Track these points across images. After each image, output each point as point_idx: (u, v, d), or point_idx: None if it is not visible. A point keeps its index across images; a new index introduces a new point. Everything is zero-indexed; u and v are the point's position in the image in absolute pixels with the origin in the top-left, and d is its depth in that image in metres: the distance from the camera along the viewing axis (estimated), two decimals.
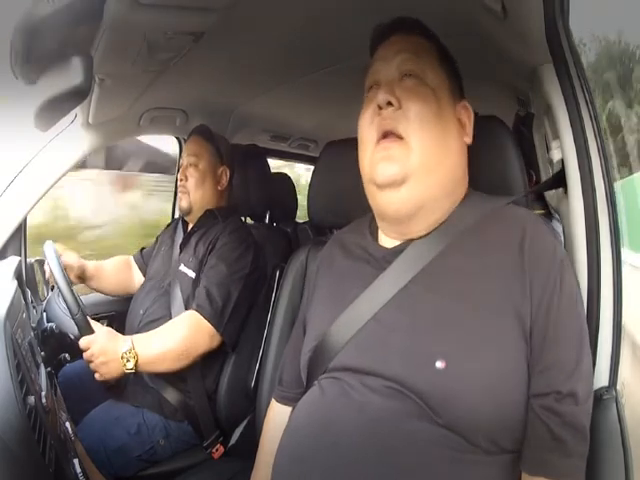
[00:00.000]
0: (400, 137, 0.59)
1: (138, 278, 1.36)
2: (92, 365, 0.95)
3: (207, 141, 1.26)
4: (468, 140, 0.65)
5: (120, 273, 1.37)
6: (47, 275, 1.13)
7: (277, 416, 0.75)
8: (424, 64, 0.63)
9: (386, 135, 0.60)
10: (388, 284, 0.61)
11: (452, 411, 0.52)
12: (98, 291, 1.34)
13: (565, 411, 0.52)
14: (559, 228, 0.75)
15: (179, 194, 1.26)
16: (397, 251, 0.63)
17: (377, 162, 0.60)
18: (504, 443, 0.53)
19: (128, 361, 0.95)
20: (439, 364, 0.53)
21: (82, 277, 1.24)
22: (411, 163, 0.59)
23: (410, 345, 0.56)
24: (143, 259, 1.38)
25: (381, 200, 0.63)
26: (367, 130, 0.63)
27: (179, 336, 1.02)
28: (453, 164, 0.62)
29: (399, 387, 0.54)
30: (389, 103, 0.60)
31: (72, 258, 1.19)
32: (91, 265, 1.27)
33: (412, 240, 0.63)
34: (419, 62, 0.63)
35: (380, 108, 0.61)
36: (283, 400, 0.75)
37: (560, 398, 0.52)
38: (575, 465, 0.52)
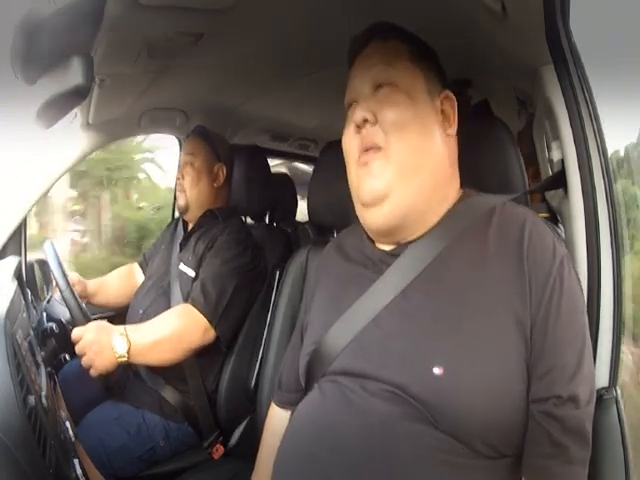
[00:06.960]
0: (379, 148, 0.60)
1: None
2: (85, 358, 0.90)
3: (203, 140, 1.27)
4: (451, 132, 0.64)
5: (123, 284, 1.36)
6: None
7: (276, 420, 0.74)
8: (396, 70, 0.63)
9: (367, 149, 0.61)
10: (386, 288, 0.60)
11: (450, 417, 0.52)
12: (104, 307, 1.33)
13: (565, 415, 0.51)
14: (563, 232, 0.75)
15: (177, 193, 1.27)
16: (395, 254, 0.63)
17: (361, 181, 0.62)
18: (503, 448, 0.52)
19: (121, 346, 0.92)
20: (437, 370, 0.52)
21: (84, 295, 1.23)
22: (391, 174, 0.59)
23: (408, 350, 0.55)
24: (147, 262, 1.38)
25: (365, 218, 0.64)
26: (350, 149, 0.64)
27: (172, 326, 1.02)
28: (436, 163, 0.62)
29: (398, 392, 0.54)
30: (366, 120, 0.61)
31: (72, 276, 1.18)
32: (92, 282, 1.28)
33: (409, 242, 0.63)
34: (391, 70, 0.63)
35: (359, 127, 0.62)
36: (282, 404, 0.74)
37: (560, 403, 0.51)
38: (576, 472, 0.51)
